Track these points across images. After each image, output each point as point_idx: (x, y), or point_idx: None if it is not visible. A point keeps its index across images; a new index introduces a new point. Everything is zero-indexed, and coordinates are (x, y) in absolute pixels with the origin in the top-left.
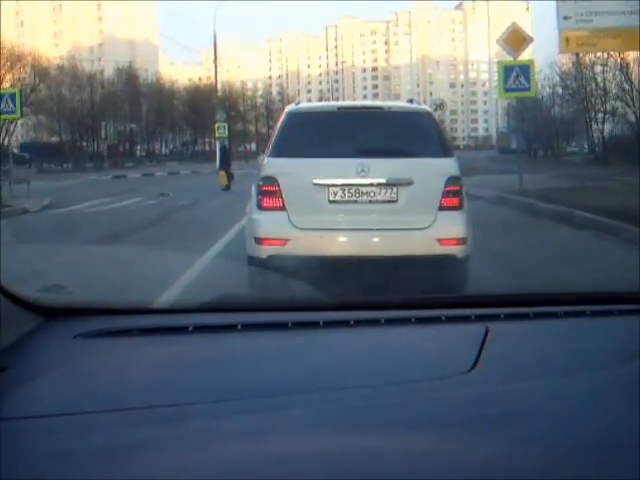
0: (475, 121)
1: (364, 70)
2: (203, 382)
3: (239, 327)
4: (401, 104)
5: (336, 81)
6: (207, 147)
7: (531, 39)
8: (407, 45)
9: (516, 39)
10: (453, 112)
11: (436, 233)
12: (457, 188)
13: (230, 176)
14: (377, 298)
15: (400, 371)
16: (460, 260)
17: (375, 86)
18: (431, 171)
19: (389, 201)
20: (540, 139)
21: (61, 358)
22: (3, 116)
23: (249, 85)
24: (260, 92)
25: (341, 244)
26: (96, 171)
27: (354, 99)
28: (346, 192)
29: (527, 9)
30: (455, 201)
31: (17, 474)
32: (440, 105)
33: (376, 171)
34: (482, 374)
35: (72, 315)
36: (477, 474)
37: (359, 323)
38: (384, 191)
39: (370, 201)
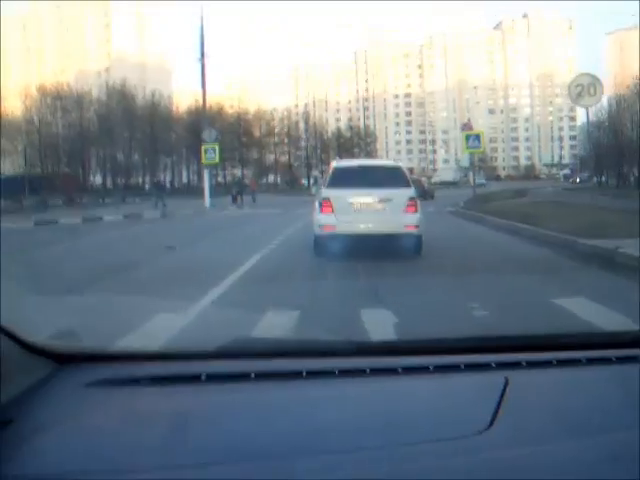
0: (516, 149)
1: (396, 96)
2: (213, 439)
3: (252, 376)
4: (388, 162)
5: (366, 109)
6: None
7: None
8: (442, 69)
9: None
10: (493, 140)
11: (403, 222)
12: (413, 202)
13: None
14: (395, 343)
15: (414, 429)
16: (416, 234)
17: (408, 113)
18: (400, 195)
19: (381, 210)
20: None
21: (70, 410)
22: None
23: (275, 115)
24: (282, 118)
25: (359, 228)
26: (38, 212)
27: (386, 128)
28: (361, 205)
29: (570, 28)
30: (412, 209)
31: None
32: (466, 124)
33: (375, 195)
34: (497, 435)
35: (84, 362)
36: None
37: (375, 372)
38: (379, 205)
39: (373, 210)
